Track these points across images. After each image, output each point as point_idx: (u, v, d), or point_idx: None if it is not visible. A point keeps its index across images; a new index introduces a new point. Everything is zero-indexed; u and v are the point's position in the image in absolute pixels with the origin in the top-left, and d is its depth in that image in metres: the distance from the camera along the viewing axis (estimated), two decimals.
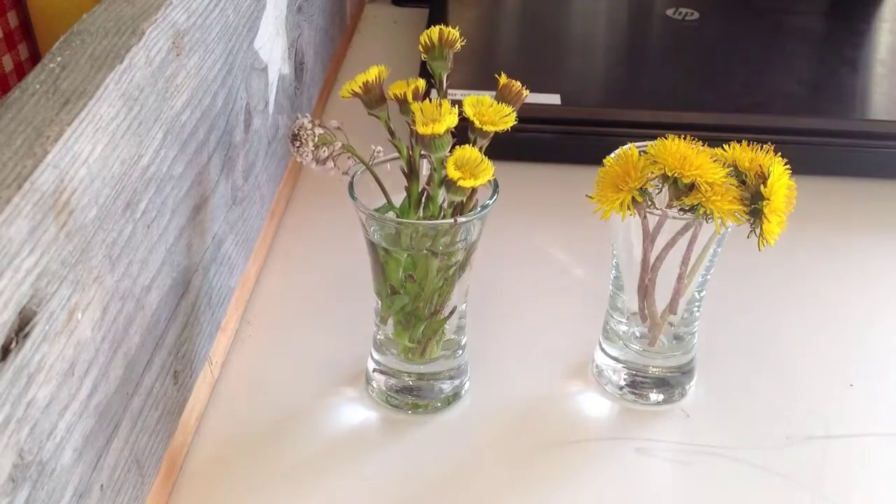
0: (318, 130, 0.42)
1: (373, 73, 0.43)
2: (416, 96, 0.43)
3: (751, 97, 0.73)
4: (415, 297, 0.45)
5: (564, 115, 0.70)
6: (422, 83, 0.44)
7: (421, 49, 0.44)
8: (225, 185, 0.50)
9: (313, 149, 0.43)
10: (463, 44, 0.44)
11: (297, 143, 0.43)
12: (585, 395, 0.51)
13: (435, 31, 0.44)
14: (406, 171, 0.44)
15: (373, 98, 0.44)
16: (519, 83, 0.44)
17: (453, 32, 0.44)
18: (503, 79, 0.44)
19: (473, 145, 0.43)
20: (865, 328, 0.56)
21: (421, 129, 0.40)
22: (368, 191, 0.45)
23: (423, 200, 0.44)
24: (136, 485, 0.39)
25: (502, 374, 0.52)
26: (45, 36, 0.49)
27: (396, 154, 0.44)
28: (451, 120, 0.40)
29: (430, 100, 0.41)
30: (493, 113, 0.42)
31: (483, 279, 0.50)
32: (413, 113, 0.41)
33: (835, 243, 0.64)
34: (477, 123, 0.42)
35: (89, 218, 0.32)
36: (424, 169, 0.45)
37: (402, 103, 0.43)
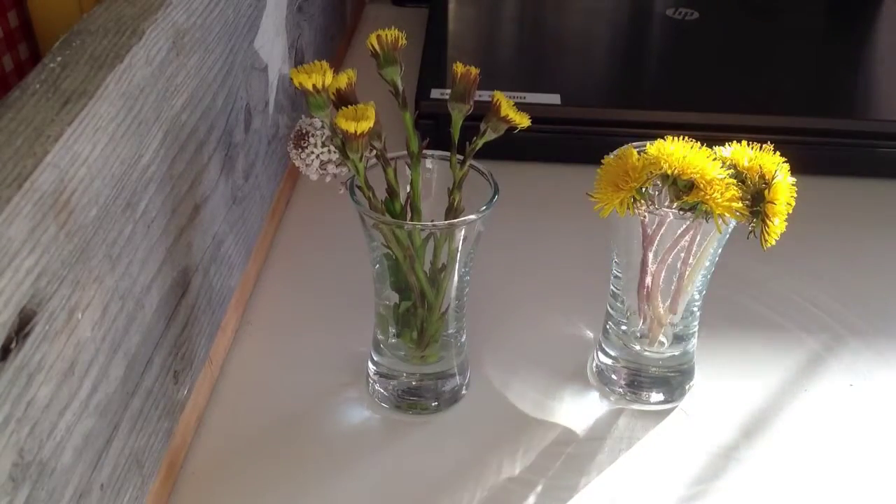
0: (327, 132, 0.42)
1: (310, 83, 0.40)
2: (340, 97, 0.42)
3: (751, 97, 0.73)
4: (418, 298, 0.46)
5: (564, 114, 0.70)
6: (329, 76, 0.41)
7: (376, 64, 0.43)
8: (225, 185, 0.50)
9: (322, 150, 0.42)
10: (405, 40, 0.43)
11: (304, 143, 0.42)
12: (585, 395, 0.51)
13: (373, 38, 0.42)
14: (388, 187, 0.44)
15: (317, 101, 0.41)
16: (476, 69, 0.43)
17: (392, 33, 0.42)
18: (459, 67, 0.43)
19: (480, 137, 0.43)
20: (866, 328, 0.56)
21: (343, 125, 0.40)
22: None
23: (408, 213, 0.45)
24: (136, 485, 0.39)
25: (502, 374, 0.52)
26: (45, 36, 0.49)
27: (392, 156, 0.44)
28: (366, 125, 0.40)
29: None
30: (515, 112, 0.43)
31: (483, 279, 0.50)
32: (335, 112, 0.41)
33: (834, 243, 0.64)
34: (504, 112, 0.42)
35: (89, 218, 0.32)
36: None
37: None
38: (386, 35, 0.42)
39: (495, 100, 0.43)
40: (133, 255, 0.36)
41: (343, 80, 0.42)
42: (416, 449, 0.47)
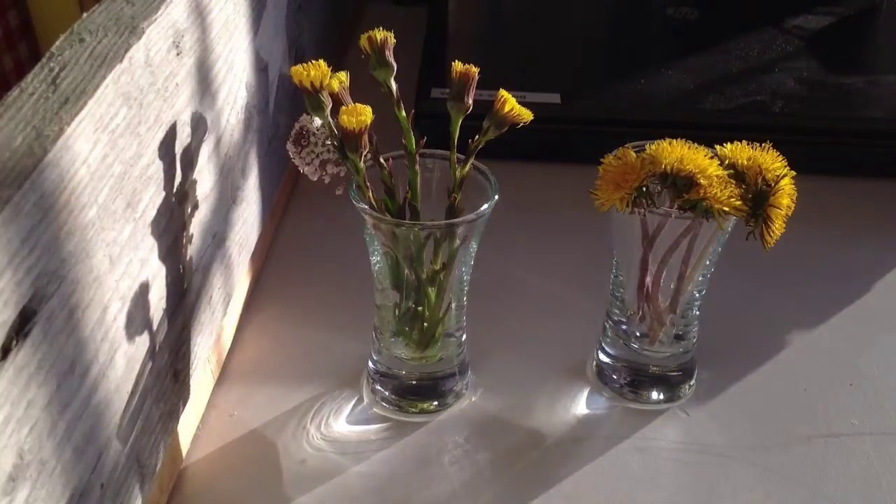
0: (327, 130, 0.42)
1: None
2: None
3: (751, 97, 0.73)
4: (418, 298, 0.46)
5: (564, 114, 0.70)
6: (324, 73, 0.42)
7: (370, 65, 0.43)
8: (225, 185, 0.49)
9: (322, 149, 0.42)
10: (395, 42, 0.43)
11: (304, 142, 0.42)
12: (585, 394, 0.51)
13: (364, 39, 0.42)
14: (385, 188, 0.44)
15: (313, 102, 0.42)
16: (475, 68, 0.43)
17: (381, 34, 0.42)
18: (458, 65, 0.43)
19: (483, 135, 0.43)
20: (865, 327, 0.56)
21: (342, 122, 0.40)
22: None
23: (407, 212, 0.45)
24: (136, 484, 0.39)
25: (503, 374, 0.52)
26: (45, 35, 0.49)
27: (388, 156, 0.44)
28: (363, 120, 0.40)
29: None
30: (519, 107, 0.43)
31: (483, 278, 0.50)
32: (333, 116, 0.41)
33: (834, 243, 0.64)
34: (509, 108, 0.42)
35: (89, 217, 0.32)
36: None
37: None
38: (376, 36, 0.42)
39: (500, 96, 0.43)
40: (133, 254, 0.36)
41: (335, 84, 0.42)
42: (417, 449, 0.47)
